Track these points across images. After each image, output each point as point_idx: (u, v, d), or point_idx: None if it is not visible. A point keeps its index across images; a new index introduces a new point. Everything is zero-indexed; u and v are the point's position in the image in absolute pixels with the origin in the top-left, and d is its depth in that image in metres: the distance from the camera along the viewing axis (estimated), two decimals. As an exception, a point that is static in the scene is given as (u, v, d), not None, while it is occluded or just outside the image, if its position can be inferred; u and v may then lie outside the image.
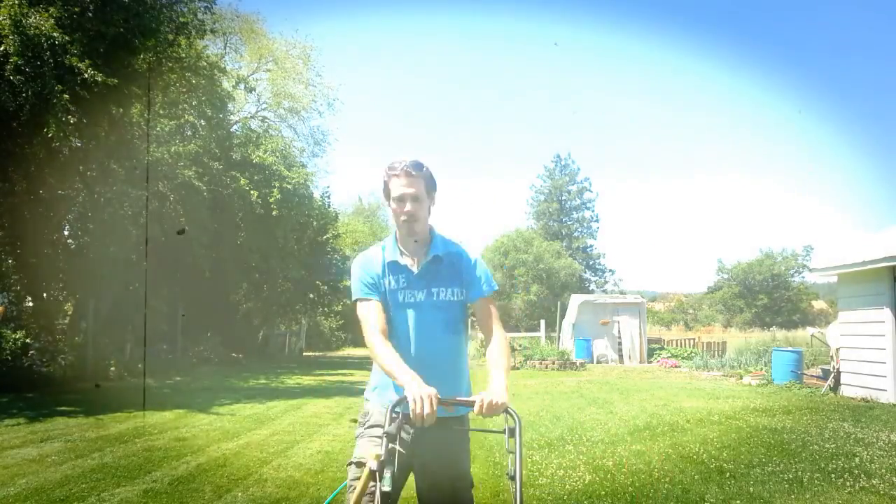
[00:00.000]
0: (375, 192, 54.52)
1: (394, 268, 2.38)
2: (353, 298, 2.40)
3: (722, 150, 78.16)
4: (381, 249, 2.43)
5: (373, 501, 2.02)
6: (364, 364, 20.70)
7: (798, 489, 4.83)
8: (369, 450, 2.17)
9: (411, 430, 2.27)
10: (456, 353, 2.44)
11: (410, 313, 2.35)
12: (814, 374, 12.91)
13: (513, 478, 2.02)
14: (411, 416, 1.98)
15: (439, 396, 2.02)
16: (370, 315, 2.31)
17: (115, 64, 10.19)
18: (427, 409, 1.95)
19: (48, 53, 9.00)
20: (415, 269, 2.37)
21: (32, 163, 11.38)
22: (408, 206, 2.31)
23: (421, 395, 1.97)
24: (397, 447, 2.03)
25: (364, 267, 2.39)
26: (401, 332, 2.36)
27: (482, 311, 2.40)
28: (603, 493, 4.82)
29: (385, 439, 2.04)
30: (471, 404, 2.10)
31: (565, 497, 4.79)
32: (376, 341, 2.23)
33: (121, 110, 11.82)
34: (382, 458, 1.99)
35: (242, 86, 19.29)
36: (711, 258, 79.76)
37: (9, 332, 11.70)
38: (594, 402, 10.31)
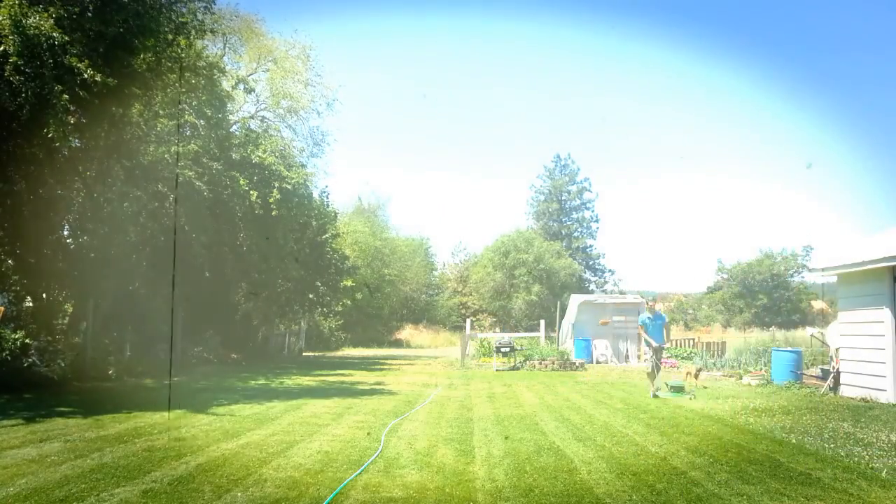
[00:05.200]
0: (375, 191, 54.52)
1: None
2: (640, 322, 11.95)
3: (722, 150, 78.15)
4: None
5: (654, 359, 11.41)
6: (364, 364, 20.69)
7: (798, 489, 4.84)
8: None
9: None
10: (663, 336, 11.60)
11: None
12: (813, 374, 12.91)
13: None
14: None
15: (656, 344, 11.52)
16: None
17: (114, 64, 10.16)
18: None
19: (48, 53, 8.98)
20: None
21: (32, 163, 11.36)
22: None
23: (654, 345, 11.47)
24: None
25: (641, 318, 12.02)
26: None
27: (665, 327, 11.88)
28: (602, 492, 4.83)
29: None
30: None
31: (565, 497, 4.79)
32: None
33: (121, 110, 11.81)
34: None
35: (242, 86, 19.27)
36: (711, 258, 79.62)
37: (9, 332, 11.68)
38: (594, 402, 10.32)
